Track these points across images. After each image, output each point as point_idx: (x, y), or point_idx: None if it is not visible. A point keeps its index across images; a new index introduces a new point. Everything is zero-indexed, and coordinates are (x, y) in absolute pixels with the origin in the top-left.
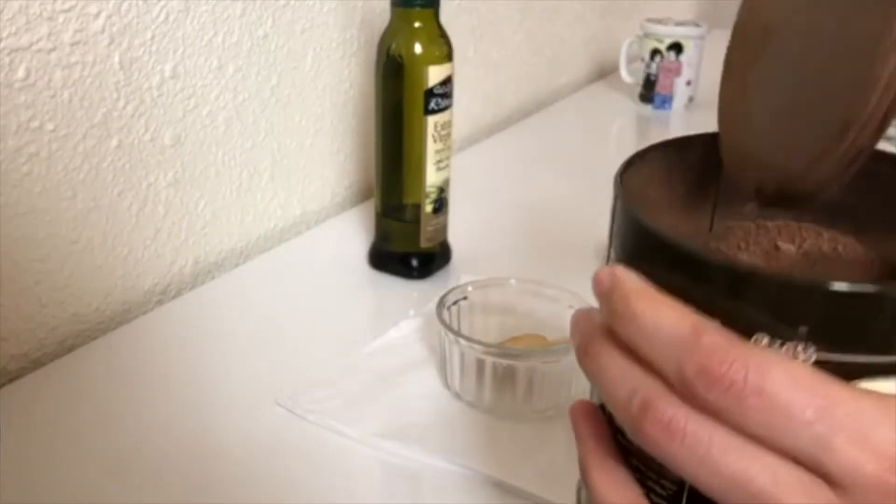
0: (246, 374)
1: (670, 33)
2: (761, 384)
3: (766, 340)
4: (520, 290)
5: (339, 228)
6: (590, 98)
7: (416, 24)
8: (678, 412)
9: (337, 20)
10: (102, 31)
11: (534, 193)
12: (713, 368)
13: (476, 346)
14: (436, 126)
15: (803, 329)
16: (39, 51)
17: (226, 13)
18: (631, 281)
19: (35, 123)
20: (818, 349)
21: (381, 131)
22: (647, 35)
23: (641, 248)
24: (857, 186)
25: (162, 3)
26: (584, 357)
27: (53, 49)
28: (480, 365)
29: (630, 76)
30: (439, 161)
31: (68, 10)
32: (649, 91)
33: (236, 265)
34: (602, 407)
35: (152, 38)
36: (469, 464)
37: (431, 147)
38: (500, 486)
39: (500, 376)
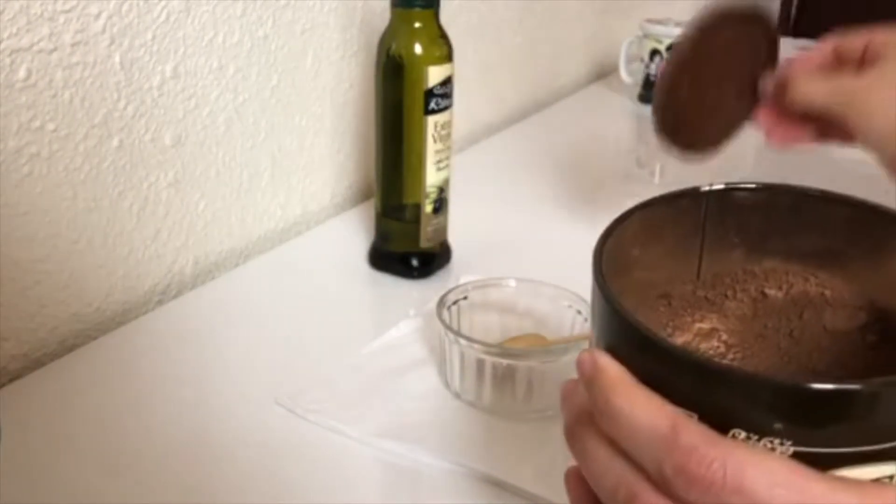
0: (246, 374)
1: (670, 34)
2: (740, 483)
3: (742, 436)
4: (520, 290)
5: (339, 228)
6: (589, 98)
7: (417, 25)
8: None
9: (337, 21)
10: (103, 31)
11: (534, 193)
12: (692, 468)
13: (476, 346)
14: (436, 126)
15: (778, 426)
16: (40, 51)
17: (226, 14)
18: (611, 373)
19: (36, 124)
20: (794, 444)
21: (381, 131)
22: (646, 35)
23: (621, 337)
24: (844, 231)
25: (162, 3)
26: (571, 437)
27: (54, 50)
28: (480, 365)
29: (629, 76)
30: (439, 161)
31: (69, 11)
32: (649, 91)
33: (236, 265)
34: None
35: (153, 38)
36: (469, 463)
37: (431, 147)
38: (500, 486)
39: (500, 376)
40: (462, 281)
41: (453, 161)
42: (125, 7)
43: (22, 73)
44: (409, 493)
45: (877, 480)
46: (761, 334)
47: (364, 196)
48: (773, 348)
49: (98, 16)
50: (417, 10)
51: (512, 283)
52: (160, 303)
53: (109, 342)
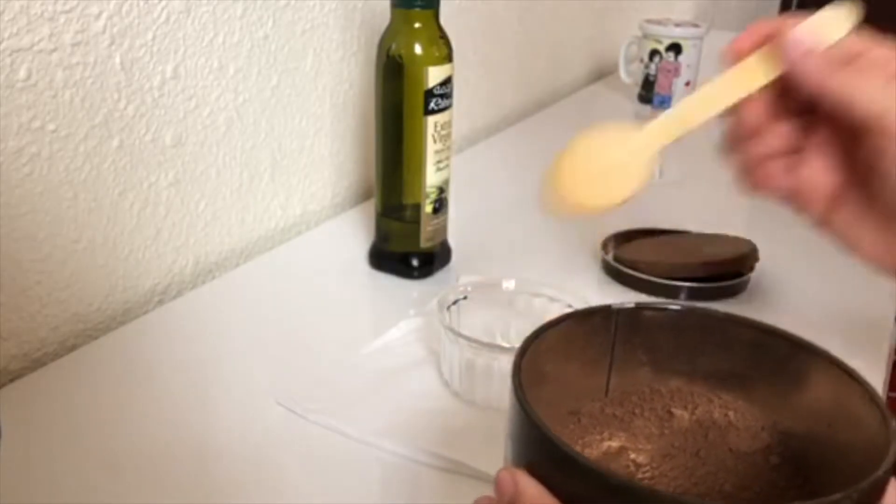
0: (246, 373)
1: (669, 34)
2: None
3: None
4: (520, 289)
5: (339, 228)
6: (589, 98)
7: (416, 25)
8: None
9: (337, 21)
10: (103, 31)
11: (534, 193)
12: None
13: (476, 346)
14: (436, 126)
15: None
16: (41, 51)
17: (226, 14)
18: (532, 494)
19: (36, 124)
20: None
21: (381, 131)
22: (646, 36)
23: (542, 454)
24: (747, 354)
25: (163, 3)
26: None
27: (55, 50)
28: (480, 365)
29: (629, 77)
30: (439, 161)
31: (69, 11)
32: (648, 92)
33: (237, 265)
34: None
35: (153, 38)
36: (469, 463)
37: (431, 147)
38: None
39: (500, 376)
40: (462, 281)
41: (453, 161)
42: (125, 7)
43: (22, 73)
44: (408, 493)
45: None
46: (669, 454)
47: (364, 196)
48: (681, 468)
49: (98, 16)
50: (417, 10)
51: (512, 283)
52: (160, 303)
53: (110, 342)
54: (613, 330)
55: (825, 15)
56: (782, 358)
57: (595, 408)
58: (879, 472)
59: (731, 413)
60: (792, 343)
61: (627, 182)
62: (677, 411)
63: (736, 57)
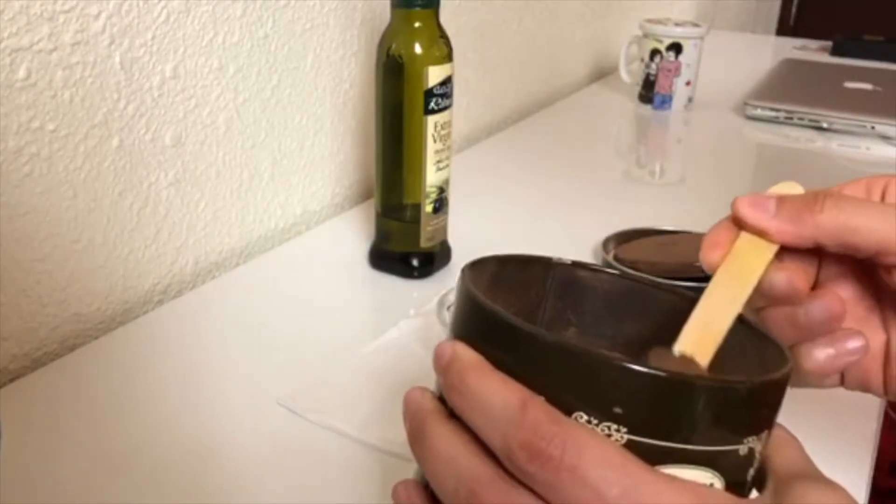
0: (246, 373)
1: (670, 34)
2: (576, 462)
3: (584, 419)
4: None
5: (339, 228)
6: (589, 98)
7: (416, 25)
8: (501, 500)
9: (337, 20)
10: (103, 31)
11: (534, 193)
12: (534, 443)
13: None
14: (436, 126)
15: (617, 410)
16: (40, 51)
17: (226, 14)
18: (468, 357)
19: (36, 124)
20: (629, 431)
21: (381, 131)
22: (646, 35)
23: (477, 325)
24: (666, 321)
25: (162, 3)
26: (414, 443)
27: (54, 49)
28: None
29: (629, 76)
30: (439, 161)
31: (69, 11)
32: (649, 91)
33: (237, 265)
34: (426, 486)
35: (153, 38)
36: None
37: (431, 147)
38: None
39: None
40: None
41: (453, 161)
42: (125, 7)
43: (22, 73)
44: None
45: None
46: None
47: (364, 196)
48: None
49: (98, 16)
50: (417, 10)
51: None
52: (160, 303)
53: (110, 342)
54: (549, 283)
55: (774, 188)
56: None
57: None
58: (776, 375)
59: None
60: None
61: None
62: None
63: (713, 267)
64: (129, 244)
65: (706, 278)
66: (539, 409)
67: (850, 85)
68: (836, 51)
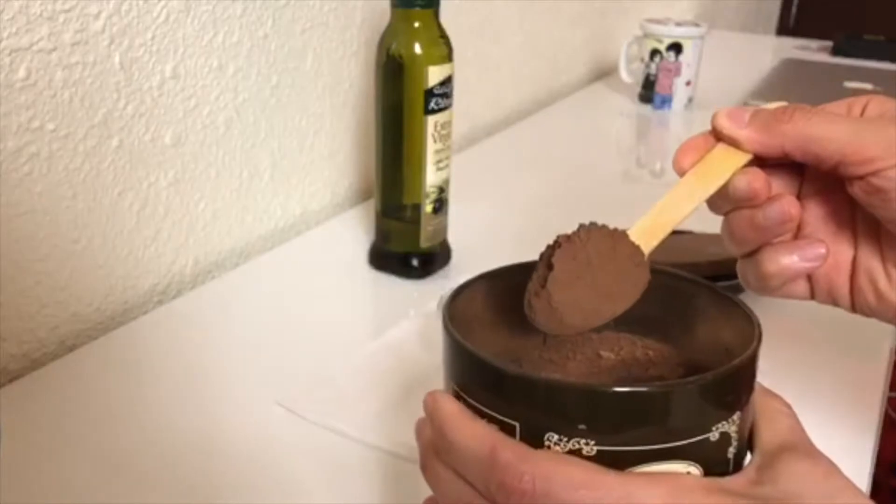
0: (246, 373)
1: (670, 33)
2: (547, 488)
3: (555, 438)
4: None
5: (339, 228)
6: (589, 98)
7: (416, 25)
8: None
9: (337, 20)
10: (103, 31)
11: (534, 193)
12: (507, 482)
13: None
14: (436, 126)
15: (582, 427)
16: (40, 51)
17: (226, 13)
18: (445, 408)
19: (36, 123)
20: (597, 443)
21: (381, 131)
22: (646, 35)
23: (456, 363)
24: (660, 301)
25: (162, 3)
26: (423, 468)
27: (54, 49)
28: None
29: (630, 76)
30: (439, 161)
31: (69, 11)
32: (649, 91)
33: (236, 265)
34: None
35: (153, 38)
36: None
37: (431, 147)
38: None
39: None
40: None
41: (453, 161)
42: (125, 7)
43: (22, 73)
44: (409, 493)
45: None
46: None
47: (364, 196)
48: None
49: (98, 15)
50: (417, 10)
51: None
52: (160, 303)
53: (109, 342)
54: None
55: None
56: (689, 300)
57: (534, 355)
58: (734, 362)
59: (650, 352)
60: (696, 285)
61: (626, 294)
62: (605, 353)
63: (682, 171)
64: (129, 244)
65: (708, 276)
66: (508, 451)
67: (850, 85)
68: (836, 51)
